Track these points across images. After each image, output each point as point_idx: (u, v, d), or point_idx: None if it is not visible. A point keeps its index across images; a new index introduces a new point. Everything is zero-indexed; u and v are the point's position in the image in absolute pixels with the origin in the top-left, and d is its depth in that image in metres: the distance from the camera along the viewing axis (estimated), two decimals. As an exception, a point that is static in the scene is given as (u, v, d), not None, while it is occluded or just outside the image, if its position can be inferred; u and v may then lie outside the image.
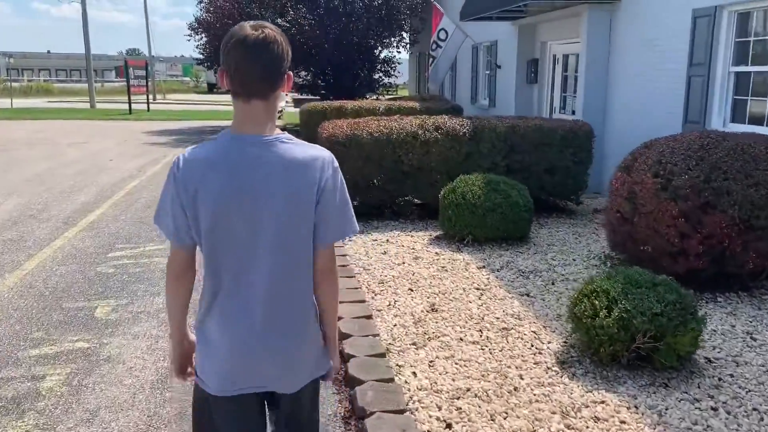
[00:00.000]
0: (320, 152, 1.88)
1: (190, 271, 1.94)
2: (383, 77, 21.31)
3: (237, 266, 1.84)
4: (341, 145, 7.51)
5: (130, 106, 29.56)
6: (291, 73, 1.88)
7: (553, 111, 12.01)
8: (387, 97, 22.11)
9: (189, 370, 2.06)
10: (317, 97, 19.45)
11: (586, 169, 8.03)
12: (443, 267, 5.92)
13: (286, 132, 1.90)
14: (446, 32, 13.67)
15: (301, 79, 21.31)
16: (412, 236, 7.13)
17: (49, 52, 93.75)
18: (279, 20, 19.53)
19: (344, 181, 1.91)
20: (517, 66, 12.61)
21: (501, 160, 7.78)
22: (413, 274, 5.69)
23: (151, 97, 42.33)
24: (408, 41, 20.16)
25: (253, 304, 1.85)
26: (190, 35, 20.73)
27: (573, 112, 10.67)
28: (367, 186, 7.65)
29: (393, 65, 21.52)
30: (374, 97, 21.40)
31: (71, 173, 12.09)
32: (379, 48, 20.74)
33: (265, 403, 2.04)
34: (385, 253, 6.44)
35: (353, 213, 1.94)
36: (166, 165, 13.16)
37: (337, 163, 1.91)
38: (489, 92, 15.31)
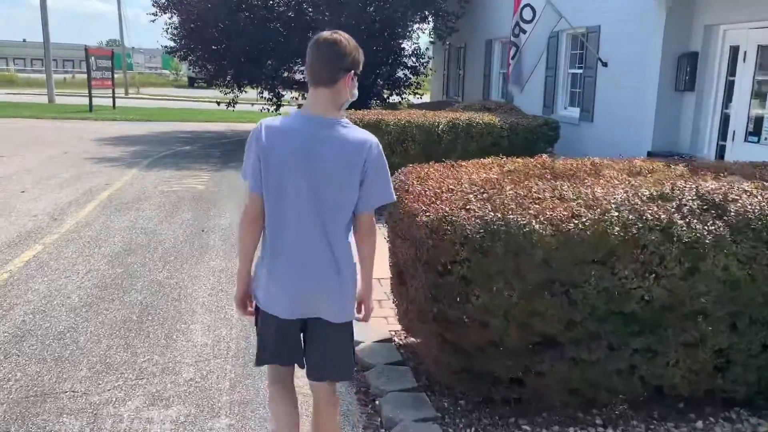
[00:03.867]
0: (369, 137, 2.41)
1: (262, 216, 2.43)
2: (410, 75, 16.59)
3: (296, 213, 2.36)
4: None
5: (90, 102, 24.59)
6: (354, 72, 2.40)
7: (729, 138, 7.43)
8: (410, 101, 17.38)
9: (249, 308, 2.60)
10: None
11: None
12: None
13: (345, 118, 2.42)
14: (533, 10, 9.06)
15: (303, 76, 16.59)
16: None
17: (24, 40, 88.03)
18: (270, 2, 14.82)
19: (386, 162, 2.42)
20: (661, 64, 8.01)
21: None
22: None
23: (122, 91, 37.76)
24: (443, 30, 15.51)
25: (310, 247, 2.38)
26: (155, 14, 15.76)
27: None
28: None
29: (423, 60, 16.80)
30: (398, 101, 16.70)
31: (-64, 223, 7.30)
32: (408, 36, 16.04)
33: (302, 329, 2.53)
34: None
35: (391, 186, 2.48)
36: (102, 206, 8.41)
37: (381, 147, 2.42)
38: (580, 99, 10.70)
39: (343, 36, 2.39)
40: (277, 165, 2.34)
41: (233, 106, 17.33)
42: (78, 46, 74.22)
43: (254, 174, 2.38)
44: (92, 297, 5.12)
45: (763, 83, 6.99)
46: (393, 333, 4.48)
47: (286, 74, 16.73)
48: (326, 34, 2.38)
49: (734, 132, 7.32)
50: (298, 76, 16.87)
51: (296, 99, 17.59)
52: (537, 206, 3.07)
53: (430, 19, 16.02)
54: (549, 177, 3.76)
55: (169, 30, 16.17)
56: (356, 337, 2.74)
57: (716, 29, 7.54)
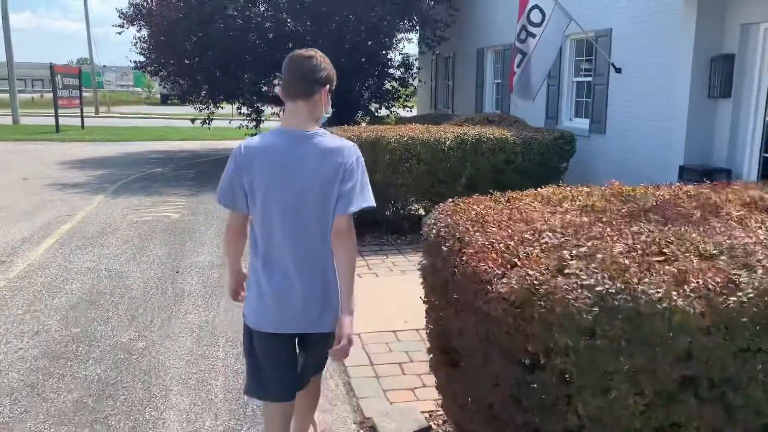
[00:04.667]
0: (345, 143, 2.45)
1: (244, 231, 2.54)
2: (398, 87, 15.62)
3: (282, 227, 2.40)
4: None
5: (57, 122, 23.29)
6: (329, 87, 2.48)
7: (776, 148, 6.59)
8: (398, 114, 16.45)
9: (241, 294, 2.68)
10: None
11: None
12: None
13: (322, 128, 2.47)
14: (542, 12, 8.17)
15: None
16: None
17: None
18: (247, 12, 13.81)
19: (365, 166, 2.47)
20: (692, 67, 7.14)
21: None
22: None
23: (92, 110, 36.33)
24: (431, 38, 14.59)
25: (290, 261, 2.42)
26: (121, 26, 14.54)
27: None
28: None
29: (412, 71, 15.84)
30: (386, 114, 15.73)
31: None
32: (395, 46, 15.10)
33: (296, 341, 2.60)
34: None
35: (370, 192, 2.47)
36: (61, 243, 7.29)
37: (359, 152, 2.47)
38: (590, 109, 9.83)
39: (317, 53, 2.50)
40: (260, 183, 2.39)
41: (209, 124, 16.25)
42: (47, 65, 72.22)
43: (234, 195, 2.44)
44: (38, 372, 4.03)
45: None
46: (429, 417, 3.48)
47: (265, 88, 15.70)
48: (301, 50, 2.50)
49: (782, 144, 6.50)
50: (278, 90, 15.88)
51: (277, 114, 16.52)
52: (669, 268, 2.09)
53: (417, 27, 15.11)
54: (643, 213, 2.81)
55: (138, 44, 15.04)
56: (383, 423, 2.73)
57: (756, 28, 6.71)
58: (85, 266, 6.39)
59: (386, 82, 15.47)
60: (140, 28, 14.57)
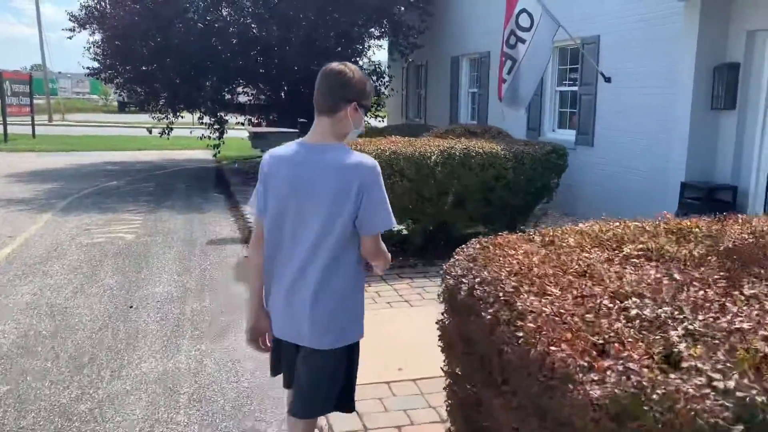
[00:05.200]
0: (364, 159, 2.34)
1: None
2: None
3: (289, 240, 2.39)
4: None
5: (5, 131, 21.98)
6: (356, 104, 2.37)
7: (788, 164, 6.14)
8: (369, 124, 15.78)
9: (261, 343, 2.60)
10: (280, 128, 12.81)
11: None
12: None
13: (343, 143, 2.40)
14: (530, 17, 7.62)
15: (250, 98, 14.85)
16: None
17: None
18: (209, 17, 13.03)
19: (383, 185, 2.35)
20: (695, 76, 6.66)
21: None
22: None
23: (45, 118, 34.76)
24: (404, 45, 14.00)
25: (295, 271, 2.37)
26: (72, 30, 13.49)
27: None
28: None
29: (385, 79, 15.18)
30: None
31: None
32: (365, 53, 14.45)
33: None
34: None
35: (389, 212, 2.38)
36: (-3, 271, 6.42)
37: (379, 169, 2.35)
38: (577, 120, 9.34)
39: (349, 68, 2.40)
40: (276, 191, 2.40)
41: (168, 134, 15.34)
42: (-3, 71, 69.44)
43: (257, 200, 2.47)
44: (-51, 451, 3.24)
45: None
46: None
47: (229, 96, 14.88)
48: (334, 64, 2.42)
49: (794, 156, 6.05)
50: (243, 99, 15.04)
51: (242, 124, 15.69)
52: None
53: (386, 33, 14.49)
54: (731, 261, 2.20)
55: (91, 49, 14.06)
56: None
57: (763, 35, 6.27)
58: (23, 300, 5.56)
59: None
60: (93, 33, 13.61)
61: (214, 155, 16.57)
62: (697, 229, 2.68)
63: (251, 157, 16.56)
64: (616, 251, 2.41)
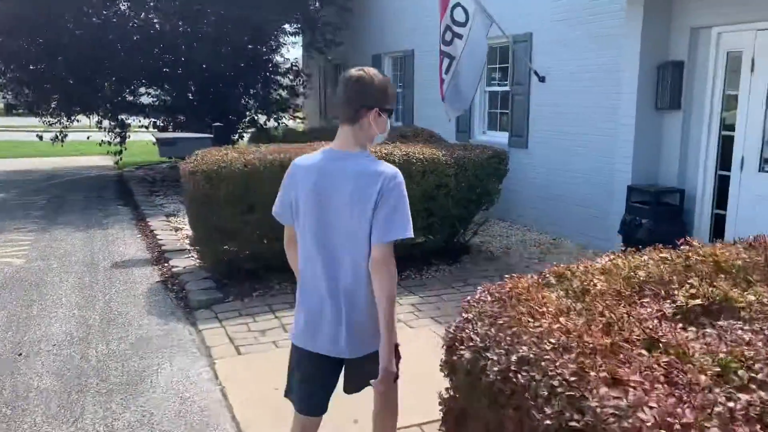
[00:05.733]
0: (386, 168, 2.32)
1: (295, 239, 2.52)
2: (287, 96, 14.12)
3: (314, 246, 2.39)
4: None
5: None
6: (378, 110, 2.35)
7: (736, 167, 5.94)
8: (286, 125, 14.96)
9: None
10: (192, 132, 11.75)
11: None
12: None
13: (368, 151, 2.39)
14: (465, 12, 7.14)
15: (155, 99, 13.66)
16: None
17: None
18: (106, 11, 11.84)
19: (404, 193, 2.32)
20: (639, 75, 6.38)
21: None
22: None
23: None
24: (321, 42, 13.28)
25: (322, 281, 2.39)
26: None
27: None
28: None
29: (303, 78, 14.37)
30: (275, 126, 14.15)
31: None
32: (278, 50, 13.60)
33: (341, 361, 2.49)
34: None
35: (407, 220, 2.31)
36: None
37: (401, 178, 2.33)
38: (508, 122, 8.98)
39: (367, 72, 2.38)
40: (301, 200, 2.40)
41: (62, 140, 13.92)
42: None
43: (282, 209, 2.50)
44: None
45: (783, 98, 5.60)
46: None
47: (131, 98, 13.65)
48: (352, 71, 2.39)
49: (743, 159, 5.84)
50: (146, 100, 13.83)
51: (146, 127, 14.45)
52: None
53: (302, 29, 13.74)
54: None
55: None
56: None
57: (707, 33, 6.07)
58: None
59: (273, 90, 13.95)
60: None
61: (116, 162, 15.22)
62: (739, 262, 2.20)
63: (158, 163, 15.34)
64: (667, 300, 1.88)
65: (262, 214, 5.74)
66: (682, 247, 2.42)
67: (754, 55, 5.69)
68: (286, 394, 2.62)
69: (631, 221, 6.37)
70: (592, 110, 7.29)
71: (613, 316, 1.71)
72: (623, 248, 2.42)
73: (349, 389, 2.56)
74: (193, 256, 6.89)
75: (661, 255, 2.28)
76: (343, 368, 2.50)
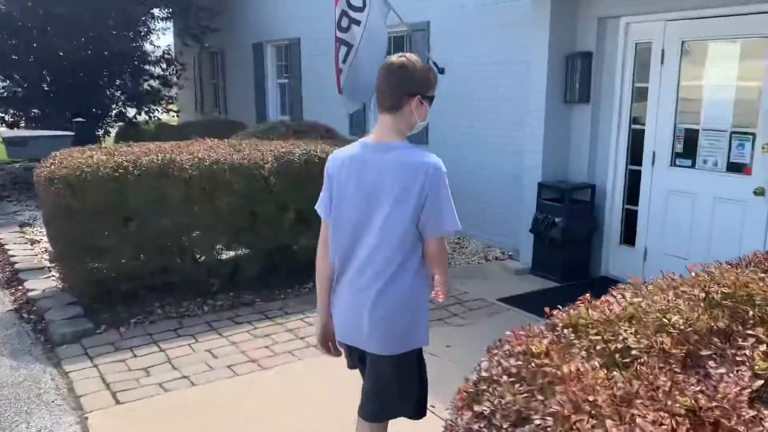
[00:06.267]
0: (428, 159, 2.24)
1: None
2: (159, 86, 12.82)
3: (351, 241, 2.33)
4: None
5: None
6: (420, 97, 2.29)
7: (647, 162, 5.80)
8: (159, 119, 13.67)
9: (331, 348, 2.56)
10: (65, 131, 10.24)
11: None
12: None
13: (406, 141, 2.33)
14: (362, -4, 6.54)
15: (1, 90, 11.91)
16: None
17: None
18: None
19: (447, 185, 2.25)
20: (548, 67, 6.09)
21: None
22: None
23: None
24: (195, 28, 12.13)
25: (355, 273, 2.33)
26: None
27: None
28: None
29: (176, 68, 13.11)
30: (145, 120, 12.82)
31: None
32: (149, 37, 12.31)
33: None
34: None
35: (454, 213, 2.27)
36: None
37: (444, 168, 2.25)
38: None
39: (410, 59, 2.34)
40: (338, 192, 2.36)
41: None
42: None
43: (324, 204, 2.43)
44: None
45: (691, 90, 5.47)
46: None
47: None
48: (393, 57, 2.35)
49: (654, 154, 5.70)
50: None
51: (3, 121, 12.52)
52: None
53: (169, 13, 12.53)
54: None
55: None
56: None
57: (615, 23, 5.86)
58: None
59: (143, 80, 12.63)
60: None
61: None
62: (739, 287, 1.78)
63: (9, 163, 13.50)
64: (736, 365, 1.39)
65: (139, 227, 4.89)
66: (693, 274, 1.97)
67: (664, 46, 5.54)
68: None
69: (544, 219, 6.09)
70: (499, 104, 6.96)
71: (694, 404, 1.19)
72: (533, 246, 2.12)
73: (367, 396, 2.47)
74: (54, 276, 5.80)
75: (681, 289, 1.81)
76: (366, 364, 2.44)
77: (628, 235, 6.03)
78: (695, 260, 5.73)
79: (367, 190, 2.27)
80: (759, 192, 4.96)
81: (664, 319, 1.59)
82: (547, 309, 1.77)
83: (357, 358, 2.49)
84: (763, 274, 1.95)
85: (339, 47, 6.61)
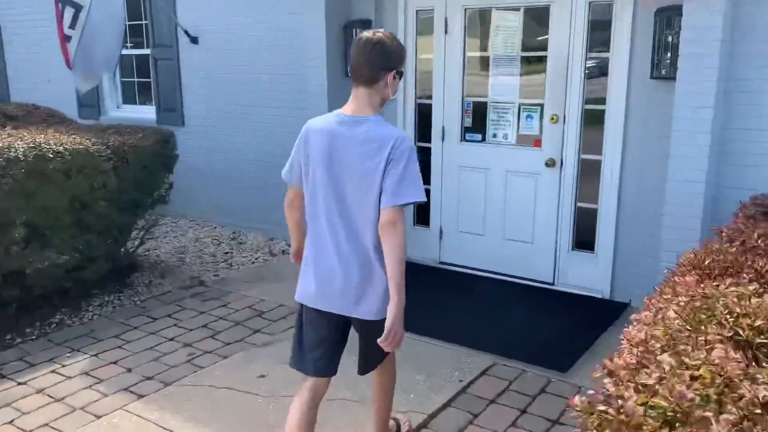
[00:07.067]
0: (396, 132, 2.38)
1: (297, 201, 2.60)
2: None
3: (325, 209, 2.42)
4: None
5: None
6: (395, 72, 2.43)
7: (437, 138, 5.50)
8: None
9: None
10: None
11: None
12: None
13: (379, 115, 2.43)
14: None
15: None
16: None
17: None
18: None
19: (415, 158, 2.34)
20: (327, 38, 5.44)
21: None
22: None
23: None
24: None
25: (331, 242, 2.41)
26: None
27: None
28: None
29: None
30: None
31: None
32: None
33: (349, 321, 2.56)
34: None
35: (419, 185, 2.34)
36: None
37: (410, 142, 2.38)
38: (156, 93, 7.22)
39: (385, 35, 2.43)
40: (312, 162, 2.43)
41: None
42: None
43: (291, 170, 2.55)
44: None
45: (478, 61, 5.24)
46: None
47: None
48: (368, 33, 2.44)
49: (443, 129, 5.40)
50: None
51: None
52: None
53: None
54: None
55: None
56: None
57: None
58: None
59: None
60: None
61: None
62: None
63: None
64: None
65: None
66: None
67: (446, 13, 5.25)
68: (293, 364, 2.62)
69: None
70: (275, 78, 6.14)
71: None
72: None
73: (364, 357, 2.61)
74: None
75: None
76: (357, 331, 2.57)
77: (422, 216, 5.74)
78: (491, 236, 5.69)
79: (337, 162, 2.36)
80: (550, 164, 4.96)
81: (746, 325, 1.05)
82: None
83: (334, 328, 2.54)
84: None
85: (63, 9, 5.17)
